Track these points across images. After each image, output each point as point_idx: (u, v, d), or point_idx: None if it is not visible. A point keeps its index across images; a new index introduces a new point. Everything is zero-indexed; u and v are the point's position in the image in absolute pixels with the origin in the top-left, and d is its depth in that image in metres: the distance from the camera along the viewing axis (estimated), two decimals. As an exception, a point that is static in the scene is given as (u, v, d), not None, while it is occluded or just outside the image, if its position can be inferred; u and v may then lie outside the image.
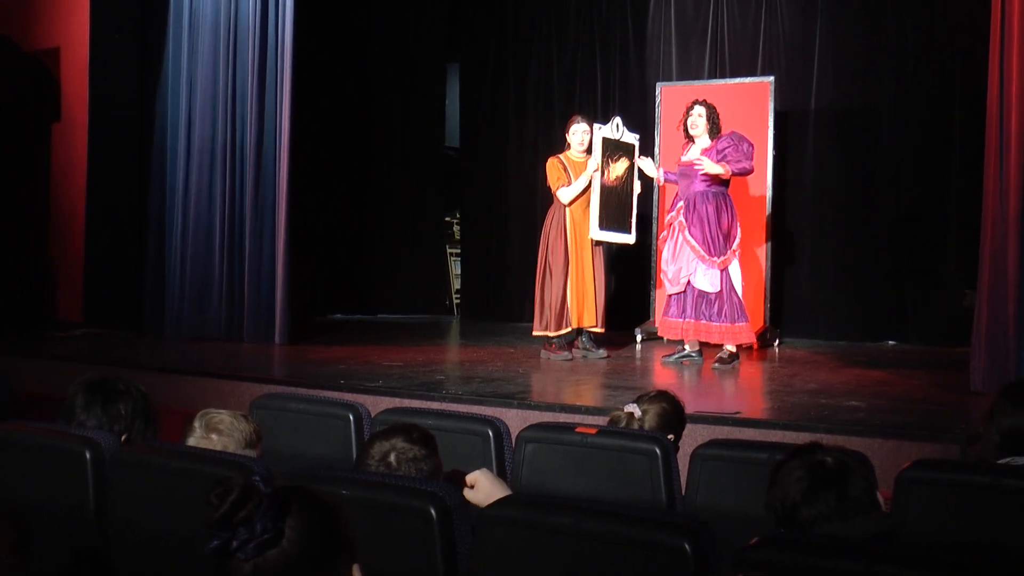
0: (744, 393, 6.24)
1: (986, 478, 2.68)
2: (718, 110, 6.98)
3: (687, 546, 1.95)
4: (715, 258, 6.74)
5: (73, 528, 2.79)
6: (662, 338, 8.54)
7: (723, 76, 8.97)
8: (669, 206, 7.11)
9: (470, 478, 2.66)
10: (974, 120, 7.40)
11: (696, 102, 7.01)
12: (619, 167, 7.30)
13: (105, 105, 8.97)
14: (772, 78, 8.31)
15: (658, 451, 3.11)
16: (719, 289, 6.75)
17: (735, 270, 6.85)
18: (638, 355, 7.94)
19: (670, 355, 7.10)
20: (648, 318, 8.65)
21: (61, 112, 9.27)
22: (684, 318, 6.88)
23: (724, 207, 6.84)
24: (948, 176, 8.34)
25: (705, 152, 6.82)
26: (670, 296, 6.99)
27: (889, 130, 8.59)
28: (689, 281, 6.82)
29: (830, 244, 8.75)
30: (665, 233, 7.07)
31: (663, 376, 7.10)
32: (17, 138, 9.23)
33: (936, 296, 8.36)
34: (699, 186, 6.82)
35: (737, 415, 5.10)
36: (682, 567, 1.95)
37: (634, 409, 3.55)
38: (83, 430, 2.96)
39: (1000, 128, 5.62)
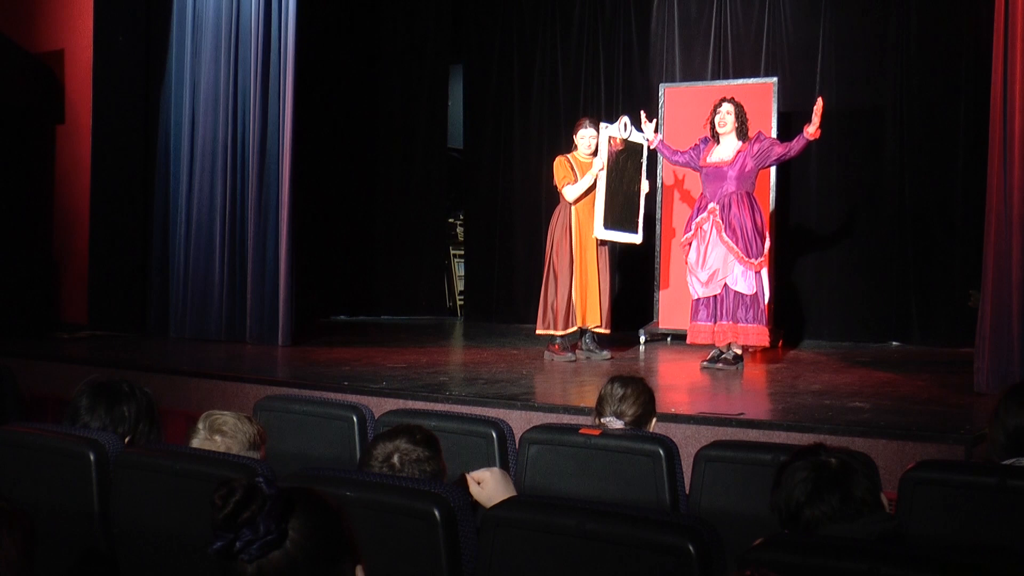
0: (748, 394, 6.23)
1: (991, 479, 2.68)
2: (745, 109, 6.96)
3: (691, 547, 1.95)
4: (752, 259, 6.65)
5: (78, 529, 2.79)
6: (666, 339, 8.56)
7: (726, 77, 8.96)
8: (695, 209, 6.93)
9: (478, 475, 2.65)
10: (978, 120, 7.39)
11: (724, 100, 6.92)
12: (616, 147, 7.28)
13: (109, 107, 8.99)
14: (775, 79, 8.30)
15: (662, 452, 3.12)
16: (755, 291, 6.69)
17: (764, 273, 6.76)
18: (642, 356, 7.93)
19: (711, 360, 6.87)
20: (652, 319, 8.64)
21: (65, 114, 9.29)
22: (718, 321, 6.74)
23: (756, 208, 6.79)
24: (952, 176, 8.32)
25: (740, 152, 6.77)
26: (700, 300, 6.81)
27: (893, 130, 8.58)
28: (726, 283, 6.70)
29: (834, 245, 8.74)
30: (690, 234, 6.88)
31: (666, 376, 7.10)
32: (21, 140, 9.25)
33: (940, 297, 8.34)
34: (732, 187, 6.73)
35: (741, 416, 5.09)
36: (686, 568, 1.95)
37: (619, 424, 3.54)
38: (87, 432, 2.96)
39: (1004, 128, 5.61)
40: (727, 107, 6.87)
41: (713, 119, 6.91)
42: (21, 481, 2.90)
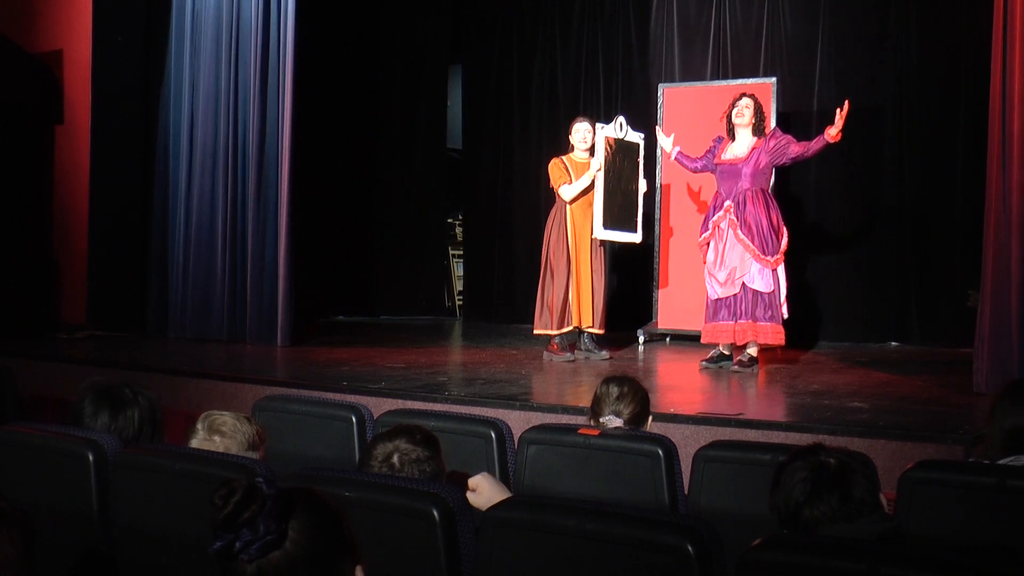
0: (747, 394, 6.23)
1: (990, 479, 2.68)
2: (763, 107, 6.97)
3: (690, 547, 1.96)
4: (769, 256, 6.65)
5: (77, 529, 2.79)
6: (665, 339, 8.57)
7: (725, 77, 8.95)
8: (711, 207, 6.93)
9: (472, 482, 2.66)
10: (978, 120, 7.39)
11: (743, 95, 6.93)
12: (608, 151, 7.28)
13: (108, 107, 8.99)
14: (775, 79, 8.29)
15: (660, 452, 3.12)
16: (772, 289, 6.68)
17: (781, 271, 6.75)
18: (640, 356, 7.93)
19: (710, 360, 6.89)
20: (651, 319, 8.64)
21: (64, 114, 9.28)
22: (737, 320, 6.71)
23: (772, 204, 6.78)
24: (952, 176, 8.32)
25: (754, 149, 6.76)
26: (717, 300, 6.77)
27: (892, 130, 8.58)
28: (743, 282, 6.69)
29: (833, 245, 8.74)
30: (708, 234, 6.86)
31: (665, 376, 7.10)
32: (20, 140, 9.24)
33: (940, 297, 8.34)
34: (747, 184, 6.72)
35: (740, 416, 5.10)
36: (685, 568, 1.95)
37: (619, 422, 3.54)
38: (90, 434, 2.96)
39: (1002, 128, 5.61)
40: (746, 100, 6.87)
41: (731, 112, 6.89)
42: (20, 481, 2.90)
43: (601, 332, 7.39)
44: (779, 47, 8.96)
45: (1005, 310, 5.59)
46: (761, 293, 6.67)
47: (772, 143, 6.74)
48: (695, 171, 7.27)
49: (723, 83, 8.63)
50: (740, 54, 9.12)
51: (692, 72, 9.30)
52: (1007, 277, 5.59)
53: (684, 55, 9.40)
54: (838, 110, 6.56)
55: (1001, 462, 2.91)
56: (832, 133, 6.54)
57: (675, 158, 7.31)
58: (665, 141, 7.35)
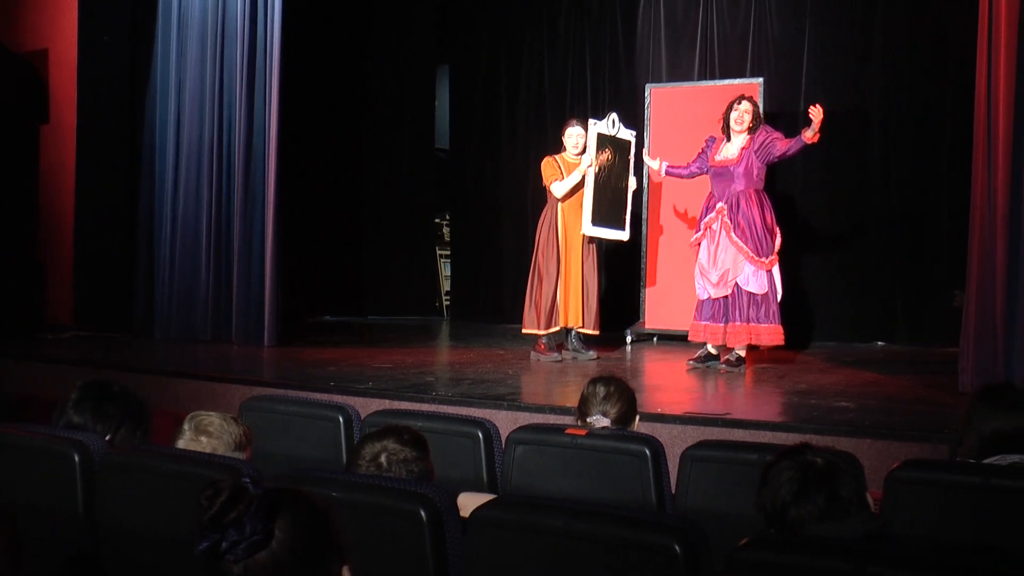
0: (734, 394, 6.24)
1: (975, 478, 2.69)
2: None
3: (677, 547, 1.96)
4: (763, 258, 6.64)
5: (63, 530, 2.78)
6: (652, 339, 8.57)
7: (712, 78, 8.97)
8: (703, 208, 6.92)
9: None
10: (963, 121, 7.41)
11: (743, 97, 6.91)
12: (606, 157, 7.26)
13: (94, 106, 8.95)
14: (761, 80, 8.31)
15: (648, 452, 3.12)
16: (766, 290, 6.68)
17: (776, 271, 6.75)
18: (628, 356, 7.94)
19: (698, 359, 6.89)
20: (638, 319, 8.65)
21: (49, 113, 9.24)
22: (730, 322, 6.71)
23: (766, 205, 6.77)
24: (938, 177, 8.35)
25: (745, 149, 6.74)
26: (708, 300, 6.78)
27: (879, 131, 8.60)
28: (737, 283, 6.69)
29: (819, 245, 8.76)
30: (699, 235, 6.86)
31: (653, 376, 7.11)
32: (5, 140, 9.19)
33: (926, 297, 8.37)
34: (740, 185, 6.71)
35: (727, 416, 5.10)
36: (673, 567, 1.95)
37: (606, 422, 3.54)
38: (69, 429, 2.96)
39: (988, 129, 5.63)
40: (746, 105, 6.84)
41: (729, 115, 6.87)
42: (5, 482, 2.89)
43: (596, 333, 7.37)
44: (766, 48, 8.97)
45: (990, 310, 5.62)
46: (754, 295, 6.67)
47: (759, 140, 6.73)
48: (690, 177, 7.21)
49: (710, 83, 8.64)
50: (727, 54, 9.13)
51: (679, 72, 9.31)
52: (992, 277, 5.61)
53: (671, 55, 9.41)
54: (811, 108, 6.50)
55: (986, 461, 2.92)
56: (808, 135, 6.53)
57: (665, 173, 7.30)
58: (652, 163, 7.34)
